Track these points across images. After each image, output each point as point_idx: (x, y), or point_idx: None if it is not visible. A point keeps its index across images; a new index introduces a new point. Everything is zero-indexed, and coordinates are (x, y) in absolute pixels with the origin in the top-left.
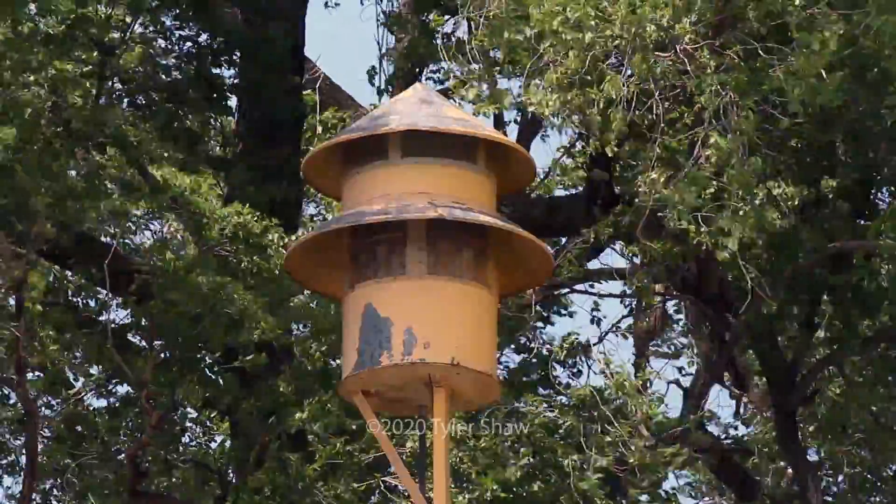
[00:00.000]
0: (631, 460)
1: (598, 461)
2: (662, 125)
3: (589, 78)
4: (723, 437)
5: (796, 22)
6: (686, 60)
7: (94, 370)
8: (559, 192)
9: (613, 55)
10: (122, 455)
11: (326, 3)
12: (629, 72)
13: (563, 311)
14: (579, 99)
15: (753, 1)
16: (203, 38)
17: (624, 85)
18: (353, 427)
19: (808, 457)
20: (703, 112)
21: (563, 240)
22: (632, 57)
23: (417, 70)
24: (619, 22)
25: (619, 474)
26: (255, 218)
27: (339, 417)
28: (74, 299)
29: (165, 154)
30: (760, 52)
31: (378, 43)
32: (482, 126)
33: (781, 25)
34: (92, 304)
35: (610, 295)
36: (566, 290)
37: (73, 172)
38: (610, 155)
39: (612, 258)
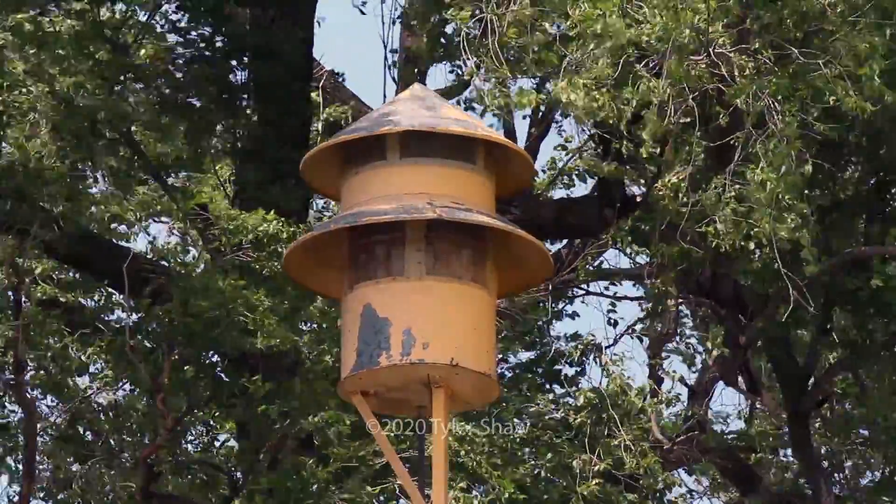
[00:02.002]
0: (626, 467)
1: (598, 465)
2: (696, 128)
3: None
4: (728, 435)
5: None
6: (721, 64)
7: (96, 368)
8: (569, 193)
9: (646, 60)
10: (128, 455)
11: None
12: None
13: (570, 313)
14: (609, 100)
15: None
16: (217, 39)
17: (662, 88)
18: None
19: (820, 461)
20: (741, 115)
21: (579, 241)
22: (668, 59)
23: (417, 71)
24: (657, 25)
25: (619, 478)
26: (281, 224)
27: (350, 422)
28: (79, 300)
29: (182, 155)
30: (798, 55)
31: (384, 42)
32: (481, 126)
33: (812, 33)
34: (93, 304)
35: (626, 297)
36: (581, 292)
37: (96, 175)
38: (645, 154)
39: (620, 259)
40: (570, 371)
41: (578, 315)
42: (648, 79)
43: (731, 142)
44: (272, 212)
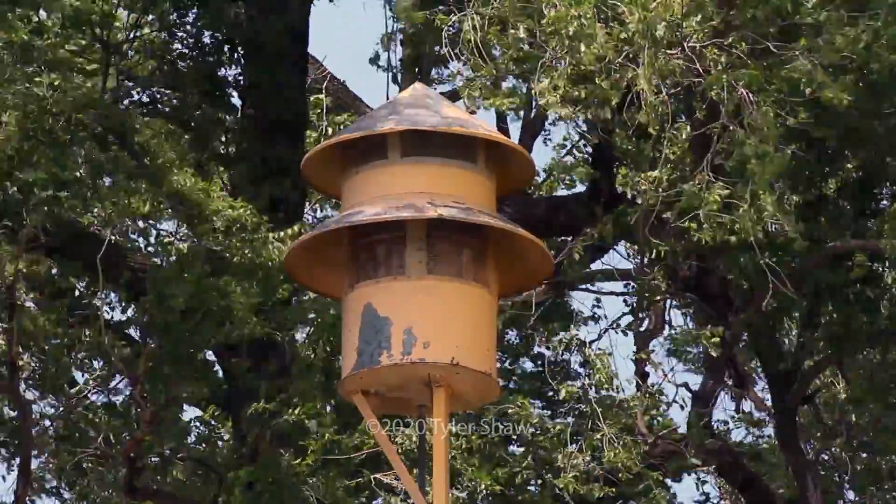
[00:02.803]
0: (605, 460)
1: (578, 460)
2: (669, 123)
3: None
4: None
5: (806, 23)
6: (695, 58)
7: (95, 365)
8: (561, 192)
9: (621, 56)
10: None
11: None
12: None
13: (570, 307)
14: (601, 86)
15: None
16: (206, 35)
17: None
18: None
19: (807, 456)
20: (717, 107)
21: (566, 239)
22: (646, 51)
23: (417, 70)
24: (632, 21)
25: (599, 474)
26: (249, 212)
27: (333, 417)
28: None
29: (173, 153)
30: (772, 48)
31: (385, 41)
32: (482, 126)
33: (789, 27)
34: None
35: (612, 293)
36: (569, 289)
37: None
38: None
39: (613, 258)
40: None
41: (570, 305)
42: (633, 68)
43: (709, 132)
44: (244, 205)
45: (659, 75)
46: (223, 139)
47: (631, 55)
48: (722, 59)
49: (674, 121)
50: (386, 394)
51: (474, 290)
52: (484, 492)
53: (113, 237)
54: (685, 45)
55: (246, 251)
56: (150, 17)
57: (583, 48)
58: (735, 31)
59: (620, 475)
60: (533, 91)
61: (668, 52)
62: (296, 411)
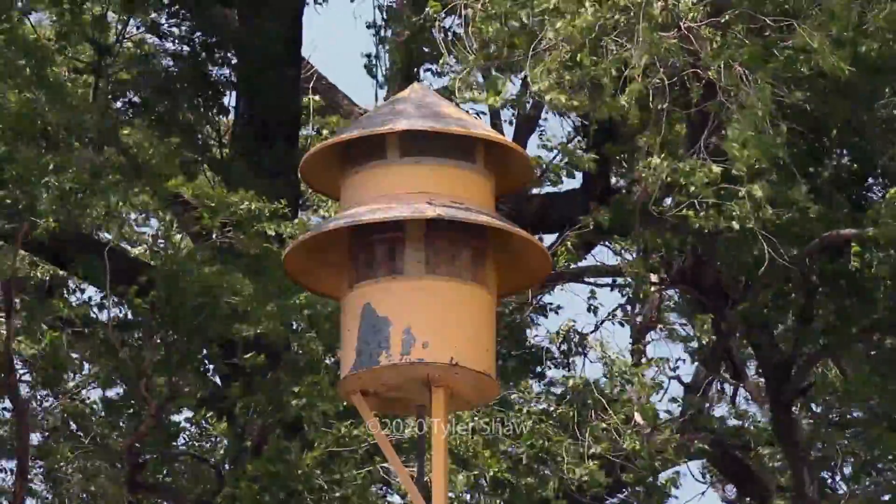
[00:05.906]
0: (625, 445)
1: (593, 448)
2: (666, 105)
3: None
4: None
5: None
6: (692, 38)
7: (89, 367)
8: (554, 189)
9: (615, 34)
10: (120, 448)
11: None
12: (634, 48)
13: (552, 308)
14: (589, 70)
15: None
16: (198, 35)
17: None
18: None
19: (803, 449)
20: (713, 87)
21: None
22: (638, 32)
23: (415, 69)
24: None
25: (613, 461)
26: (264, 202)
27: (334, 403)
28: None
29: (163, 152)
30: (770, 23)
31: (376, 41)
32: (480, 125)
33: (785, 8)
34: (89, 299)
35: (607, 285)
36: (563, 280)
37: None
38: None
39: (604, 255)
40: (555, 367)
41: (562, 308)
42: (621, 48)
43: (706, 111)
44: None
45: (654, 55)
46: (215, 141)
47: (624, 30)
48: (717, 37)
49: (665, 105)
50: (385, 394)
51: (473, 289)
52: (486, 479)
53: (116, 237)
54: (681, 24)
55: (263, 243)
56: (139, 19)
57: (565, 21)
58: (731, 9)
59: (637, 463)
60: (528, 75)
61: (663, 33)
62: (299, 402)
